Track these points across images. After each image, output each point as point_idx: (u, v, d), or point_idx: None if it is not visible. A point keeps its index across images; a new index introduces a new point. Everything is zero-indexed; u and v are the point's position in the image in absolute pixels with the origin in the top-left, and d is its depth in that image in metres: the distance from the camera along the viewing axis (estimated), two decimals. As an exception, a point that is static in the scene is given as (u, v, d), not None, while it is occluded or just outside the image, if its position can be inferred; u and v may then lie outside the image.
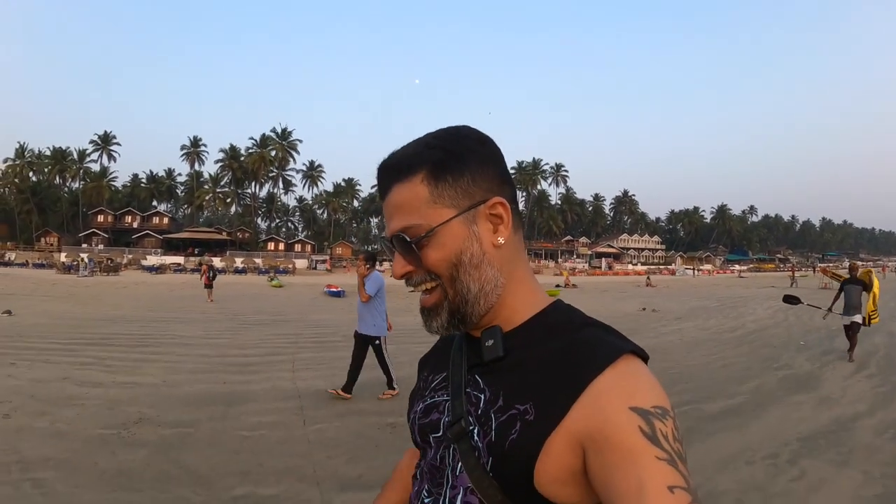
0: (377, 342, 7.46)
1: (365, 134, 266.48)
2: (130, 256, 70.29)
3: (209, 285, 25.12)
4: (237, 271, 63.53)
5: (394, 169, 0.96)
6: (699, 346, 12.32)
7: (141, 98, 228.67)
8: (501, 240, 0.94)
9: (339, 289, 30.69)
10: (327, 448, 5.59)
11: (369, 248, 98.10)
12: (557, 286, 37.49)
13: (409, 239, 0.92)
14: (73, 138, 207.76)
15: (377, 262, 7.92)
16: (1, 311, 16.15)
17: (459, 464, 0.90)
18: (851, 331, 10.74)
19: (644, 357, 0.87)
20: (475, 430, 0.89)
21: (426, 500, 0.99)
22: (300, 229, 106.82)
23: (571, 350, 0.86)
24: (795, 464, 5.13)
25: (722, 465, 5.07)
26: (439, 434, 0.97)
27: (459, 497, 0.91)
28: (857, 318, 10.68)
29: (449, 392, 0.99)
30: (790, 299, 9.88)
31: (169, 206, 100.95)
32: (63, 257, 67.67)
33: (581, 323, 0.92)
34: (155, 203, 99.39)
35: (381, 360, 7.54)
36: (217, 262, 69.82)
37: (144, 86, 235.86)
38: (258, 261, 72.20)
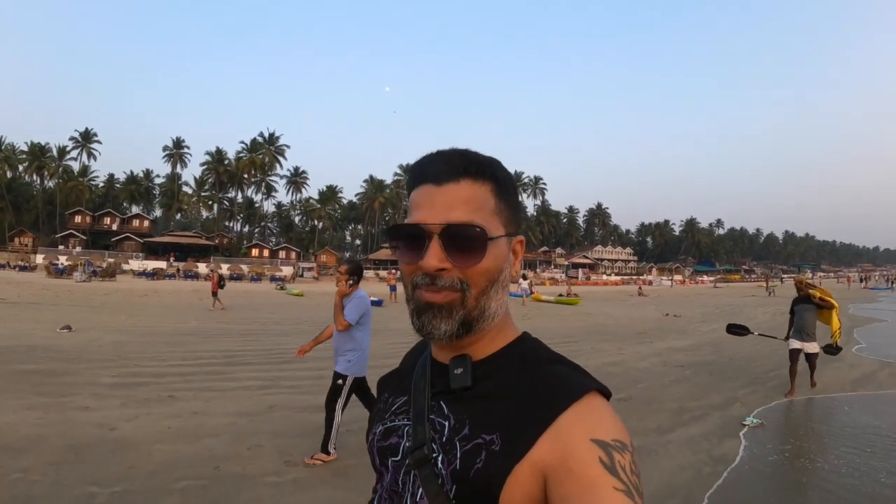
0: (340, 382, 5.83)
1: (344, 142, 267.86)
2: (111, 260, 69.65)
3: (215, 293, 25.60)
4: (232, 278, 62.84)
5: (473, 163, 0.97)
6: (741, 341, 15.80)
7: (117, 95, 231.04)
8: (517, 273, 1.03)
9: (377, 298, 31.05)
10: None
11: (347, 256, 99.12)
12: (560, 295, 40.13)
13: (489, 235, 0.94)
14: (49, 134, 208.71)
15: (361, 278, 6.17)
16: (60, 328, 15.22)
17: (420, 490, 0.93)
18: (808, 359, 9.50)
19: (607, 395, 0.93)
20: (439, 458, 0.92)
21: None
22: (276, 235, 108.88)
23: (539, 384, 0.92)
24: (862, 387, 9.69)
25: (835, 389, 9.44)
26: (398, 458, 1.01)
27: None
28: (812, 348, 9.42)
29: (410, 416, 1.02)
30: (736, 329, 9.83)
31: (140, 208, 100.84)
32: (40, 259, 68.49)
33: (548, 358, 0.98)
34: (134, 206, 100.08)
35: (331, 407, 5.82)
36: (203, 267, 71.72)
37: (120, 83, 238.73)
38: (244, 267, 73.39)
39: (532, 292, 36.72)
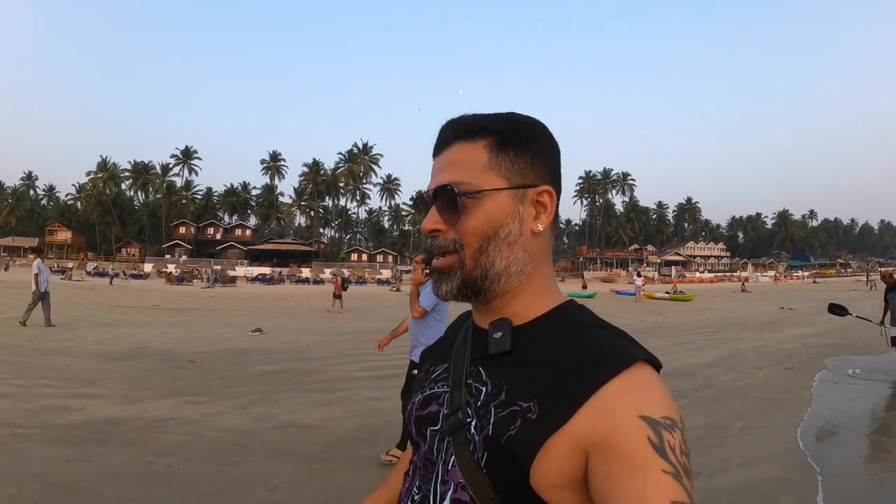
0: None
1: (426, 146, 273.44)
2: (218, 267, 74.40)
3: (339, 295, 26.77)
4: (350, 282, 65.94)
5: (462, 127, 1.01)
6: (858, 328, 16.63)
7: (210, 114, 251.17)
8: (541, 227, 0.99)
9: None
10: None
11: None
12: (667, 293, 42.03)
13: (457, 191, 0.95)
14: (150, 153, 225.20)
15: None
16: (251, 330, 16.14)
17: (452, 458, 0.91)
18: None
19: (657, 366, 0.89)
20: (472, 423, 0.90)
21: (416, 497, 1.00)
22: (366, 240, 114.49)
23: (582, 351, 0.88)
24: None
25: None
26: (437, 427, 0.99)
27: (450, 493, 0.92)
28: None
29: (449, 383, 1.01)
30: (837, 309, 10.23)
31: (235, 218, 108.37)
32: (149, 267, 74.66)
33: (593, 324, 0.95)
34: (233, 216, 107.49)
35: None
36: (307, 272, 76.55)
37: (213, 101, 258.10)
38: (346, 271, 76.26)
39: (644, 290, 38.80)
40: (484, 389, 0.93)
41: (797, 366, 11.93)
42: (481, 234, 0.96)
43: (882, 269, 14.49)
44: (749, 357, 13.02)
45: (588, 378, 0.83)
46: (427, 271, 5.82)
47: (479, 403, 0.92)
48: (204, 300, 32.05)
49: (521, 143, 1.00)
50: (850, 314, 10.33)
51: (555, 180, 1.03)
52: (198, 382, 9.53)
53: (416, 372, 5.50)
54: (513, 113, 1.03)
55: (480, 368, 0.97)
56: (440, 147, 1.03)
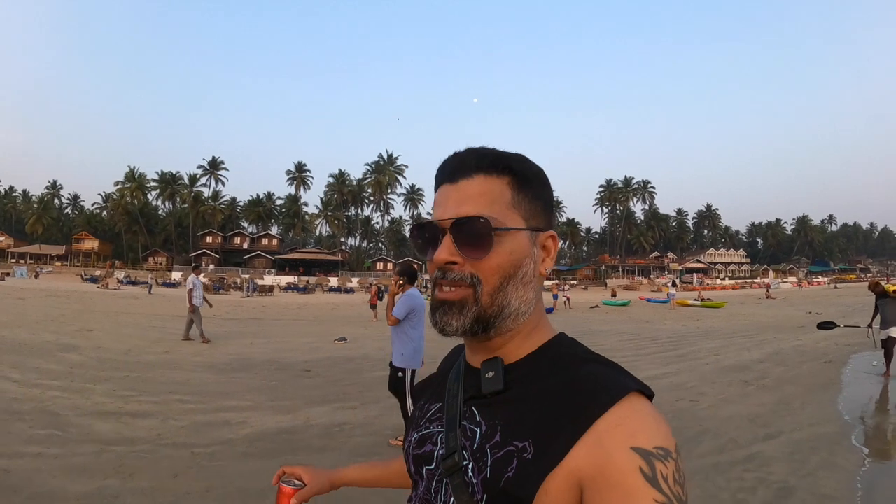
0: (400, 374, 6.53)
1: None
2: (246, 276, 75.93)
3: (375, 305, 27.64)
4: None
5: (486, 159, 0.99)
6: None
7: (232, 124, 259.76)
8: (548, 270, 1.03)
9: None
10: None
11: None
12: (695, 300, 43.82)
13: (493, 225, 0.94)
14: (175, 163, 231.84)
15: (416, 281, 6.86)
16: (336, 339, 16.76)
17: (452, 499, 0.93)
18: (888, 344, 11.78)
19: (649, 395, 0.91)
20: (469, 466, 0.92)
21: None
22: (388, 249, 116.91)
23: (574, 387, 0.90)
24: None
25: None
26: (432, 466, 1.02)
27: None
28: (894, 332, 11.69)
29: (444, 423, 1.03)
30: (826, 325, 11.13)
31: (259, 226, 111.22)
32: (178, 276, 76.24)
33: (584, 358, 0.96)
34: (257, 225, 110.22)
35: (400, 396, 6.60)
36: (335, 281, 78.93)
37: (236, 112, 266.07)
38: (373, 280, 77.25)
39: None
40: (478, 431, 0.96)
41: (835, 359, 14.16)
42: (503, 272, 0.97)
43: (869, 277, 15.73)
44: (792, 354, 15.14)
45: (581, 414, 0.86)
46: (401, 282, 6.56)
47: (474, 446, 0.94)
48: (259, 310, 33.57)
49: (537, 187, 1.04)
50: (839, 326, 11.53)
51: (553, 226, 1.09)
52: (331, 389, 10.23)
53: (400, 374, 6.52)
54: (524, 156, 1.06)
55: (474, 409, 1.01)
56: (458, 174, 1.01)
